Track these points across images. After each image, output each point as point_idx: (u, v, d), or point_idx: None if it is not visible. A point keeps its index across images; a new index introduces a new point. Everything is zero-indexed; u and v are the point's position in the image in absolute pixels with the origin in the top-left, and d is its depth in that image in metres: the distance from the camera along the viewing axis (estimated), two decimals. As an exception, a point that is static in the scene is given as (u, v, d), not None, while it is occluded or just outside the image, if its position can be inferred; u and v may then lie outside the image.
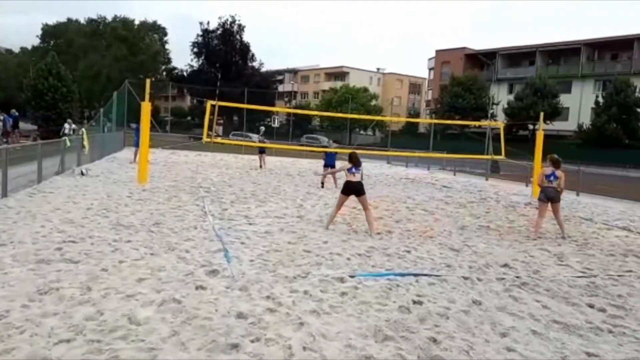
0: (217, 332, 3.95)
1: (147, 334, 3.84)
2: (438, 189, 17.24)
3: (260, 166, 20.88)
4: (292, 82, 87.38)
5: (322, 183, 15.39)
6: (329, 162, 15.61)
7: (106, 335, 3.76)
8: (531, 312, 4.98)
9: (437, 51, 72.94)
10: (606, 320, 4.94)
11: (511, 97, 55.75)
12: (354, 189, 8.56)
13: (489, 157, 23.85)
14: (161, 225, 7.88)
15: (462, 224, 10.05)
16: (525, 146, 29.84)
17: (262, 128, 26.85)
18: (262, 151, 21.66)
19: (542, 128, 17.94)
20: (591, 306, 5.32)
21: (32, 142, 18.37)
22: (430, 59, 76.28)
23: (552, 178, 9.54)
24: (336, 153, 16.53)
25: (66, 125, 27.80)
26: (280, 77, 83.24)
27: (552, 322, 4.77)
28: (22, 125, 33.09)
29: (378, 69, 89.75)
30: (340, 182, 10.41)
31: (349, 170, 8.59)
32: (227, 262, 5.98)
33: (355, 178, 8.59)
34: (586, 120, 50.96)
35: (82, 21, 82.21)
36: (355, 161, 8.63)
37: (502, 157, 21.61)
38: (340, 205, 8.77)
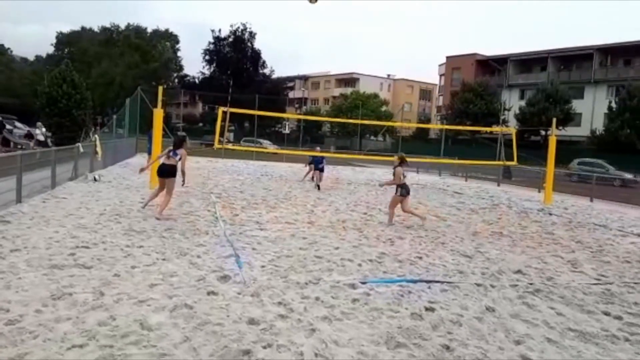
0: (228, 338, 3.94)
1: (159, 340, 3.84)
2: (450, 195, 17.14)
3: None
4: (302, 88, 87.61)
5: (318, 186, 16.21)
6: (317, 165, 16.74)
7: (118, 341, 3.77)
8: (546, 320, 4.91)
9: (447, 57, 72.73)
10: (622, 328, 4.86)
11: (523, 103, 55.35)
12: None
13: (500, 163, 23.66)
14: (173, 230, 7.91)
15: (474, 230, 9.97)
16: (537, 152, 29.59)
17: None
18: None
19: (554, 134, 17.79)
20: (607, 314, 5.24)
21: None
22: (440, 65, 76.08)
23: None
24: (324, 157, 17.76)
25: (36, 131, 26.66)
26: (290, 84, 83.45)
27: (567, 329, 4.70)
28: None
29: (388, 75, 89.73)
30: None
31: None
32: (238, 267, 5.99)
33: (169, 161, 9.16)
34: (599, 126, 50.38)
35: (96, 29, 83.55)
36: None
37: (514, 163, 21.44)
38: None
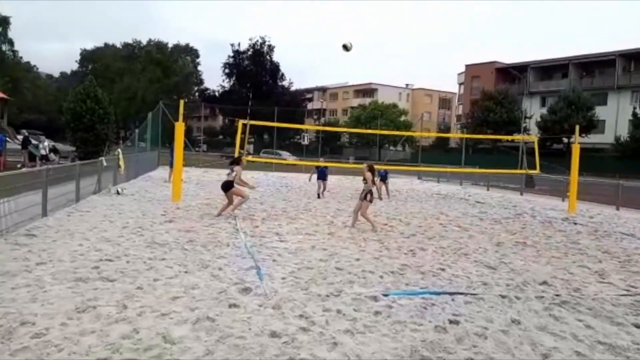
0: (250, 352, 3.93)
1: (181, 353, 3.85)
2: (472, 205, 16.94)
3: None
4: (321, 100, 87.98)
5: (319, 194, 16.91)
6: (321, 175, 17.40)
7: (142, 354, 3.79)
8: (573, 332, 4.79)
9: (466, 66, 72.41)
10: (654, 341, 4.71)
11: (544, 111, 54.70)
12: None
13: (523, 171, 23.34)
14: (194, 243, 7.96)
15: (497, 241, 9.81)
16: (560, 160, 29.12)
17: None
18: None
19: (577, 141, 17.49)
20: (637, 326, 5.08)
21: (70, 162, 18.93)
22: (460, 74, 75.76)
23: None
24: (327, 167, 18.46)
25: (39, 145, 25.27)
26: (309, 95, 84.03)
27: (597, 342, 4.57)
28: (61, 147, 34.16)
29: (407, 84, 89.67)
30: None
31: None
32: (259, 279, 5.98)
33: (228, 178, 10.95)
34: (624, 132, 49.44)
35: (118, 45, 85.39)
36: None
37: (536, 171, 21.13)
38: None
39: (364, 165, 11.38)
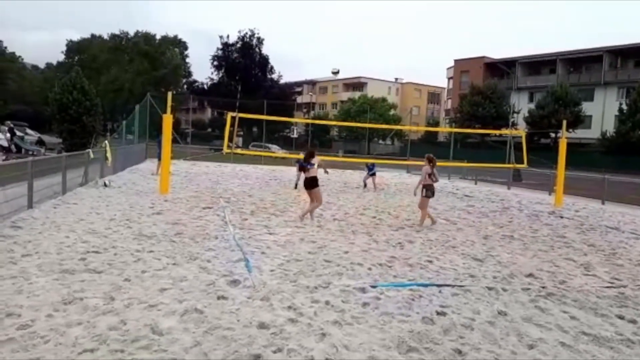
0: (239, 343, 3.93)
1: (169, 344, 3.84)
2: (459, 199, 17.05)
3: (366, 185, 18.82)
4: (310, 93, 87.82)
5: (296, 184, 16.97)
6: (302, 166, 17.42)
7: (129, 345, 3.77)
8: (559, 324, 4.85)
9: (455, 60, 72.65)
10: (637, 331, 4.79)
11: (532, 106, 55.14)
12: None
13: (510, 165, 23.49)
14: (182, 235, 7.93)
15: (485, 234, 9.90)
16: (547, 155, 29.38)
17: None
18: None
19: (564, 136, 17.65)
20: (621, 317, 5.17)
21: (56, 154, 18.70)
22: (449, 68, 75.98)
23: (432, 177, 10.43)
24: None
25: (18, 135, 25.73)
26: (298, 89, 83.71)
27: (581, 333, 4.64)
28: (48, 139, 33.78)
29: (396, 79, 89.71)
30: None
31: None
32: (248, 272, 5.98)
33: (310, 174, 9.93)
34: (610, 128, 50.04)
35: (106, 37, 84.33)
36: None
37: (524, 165, 21.30)
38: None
39: (425, 158, 10.67)
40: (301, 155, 18.96)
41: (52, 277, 5.29)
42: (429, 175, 10.36)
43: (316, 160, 10.18)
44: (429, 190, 10.37)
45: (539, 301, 5.55)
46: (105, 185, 13.93)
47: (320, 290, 5.44)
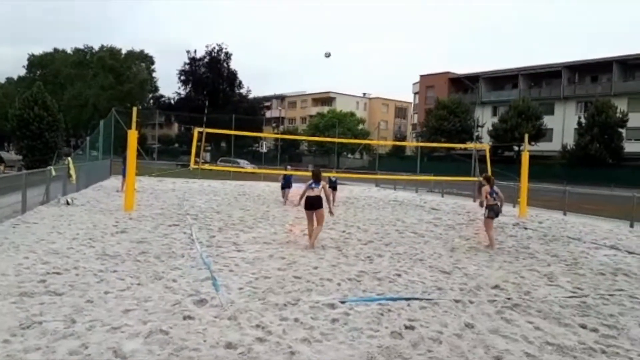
0: (205, 364, 3.84)
1: (133, 368, 3.72)
2: (427, 212, 17.26)
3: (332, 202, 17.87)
4: (279, 108, 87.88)
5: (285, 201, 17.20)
6: (286, 184, 17.91)
7: (90, 370, 3.64)
8: (524, 334, 4.93)
9: (421, 76, 74.01)
10: (599, 340, 4.91)
11: (495, 120, 56.51)
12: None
13: (475, 178, 23.96)
14: (148, 254, 7.75)
15: (452, 246, 10.03)
16: (511, 167, 30.13)
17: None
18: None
19: (527, 149, 18.15)
20: (583, 326, 5.29)
21: (16, 172, 18.13)
22: (415, 84, 77.30)
23: (494, 195, 10.32)
24: (292, 175, 18.87)
25: None
26: (267, 103, 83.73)
27: (545, 343, 4.73)
28: (6, 155, 32.73)
29: (364, 94, 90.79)
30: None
31: (309, 185, 9.33)
32: (215, 290, 5.88)
33: (314, 192, 9.32)
34: (570, 140, 51.69)
35: (69, 51, 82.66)
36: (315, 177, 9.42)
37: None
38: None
39: (483, 178, 10.51)
40: (288, 171, 19.24)
41: (9, 301, 5.08)
42: (489, 194, 10.27)
43: (323, 183, 9.58)
44: (491, 211, 10.22)
45: (505, 312, 5.64)
46: (67, 203, 13.55)
47: (289, 308, 5.39)
